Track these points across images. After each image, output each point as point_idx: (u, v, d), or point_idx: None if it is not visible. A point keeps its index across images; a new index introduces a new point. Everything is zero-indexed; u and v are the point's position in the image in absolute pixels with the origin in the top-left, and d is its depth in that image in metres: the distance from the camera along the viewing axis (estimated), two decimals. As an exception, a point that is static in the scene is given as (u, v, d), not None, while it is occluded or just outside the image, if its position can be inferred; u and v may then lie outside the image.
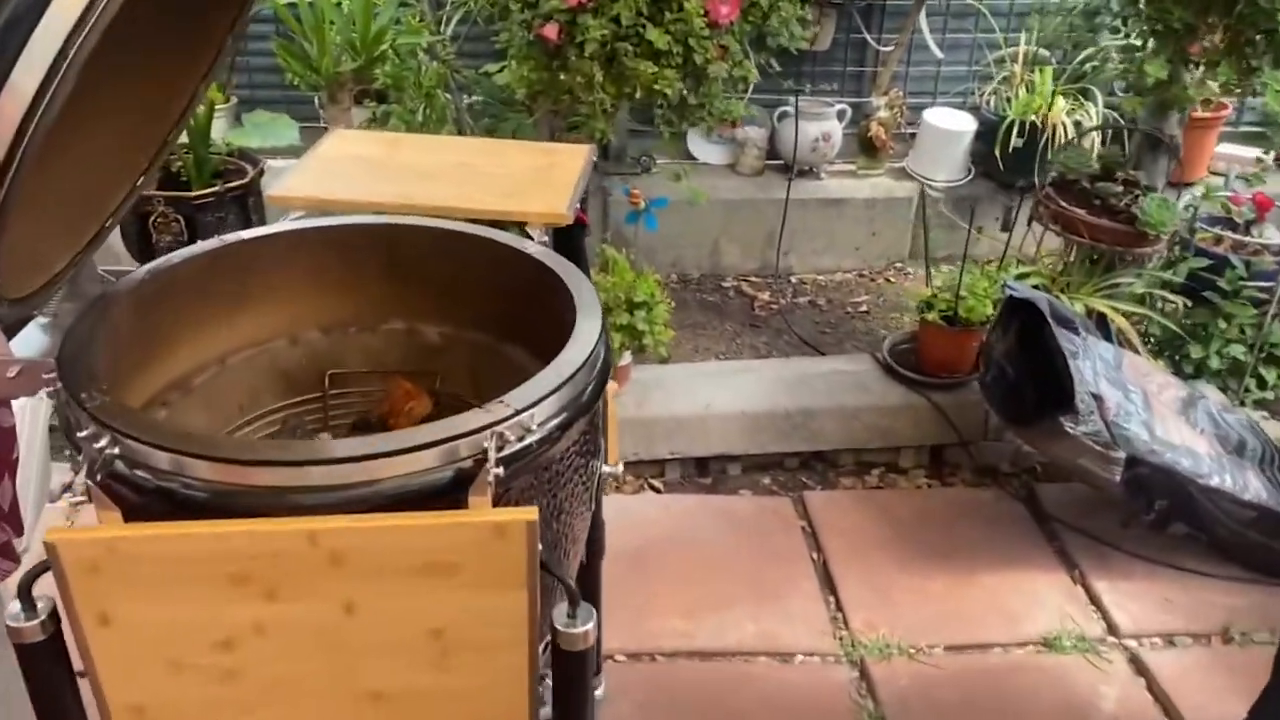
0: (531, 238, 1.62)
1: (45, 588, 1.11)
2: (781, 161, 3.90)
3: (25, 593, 1.15)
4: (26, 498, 1.78)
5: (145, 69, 1.34)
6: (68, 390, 1.18)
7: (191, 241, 2.91)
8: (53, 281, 1.33)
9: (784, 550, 2.67)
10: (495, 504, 1.11)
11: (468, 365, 1.65)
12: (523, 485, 1.21)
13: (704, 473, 2.98)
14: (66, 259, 1.35)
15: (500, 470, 1.10)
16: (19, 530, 1.70)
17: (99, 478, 1.08)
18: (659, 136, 3.52)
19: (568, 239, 1.77)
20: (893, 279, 3.95)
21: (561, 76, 2.27)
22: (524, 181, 1.75)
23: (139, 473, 1.11)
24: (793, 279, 3.93)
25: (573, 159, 1.83)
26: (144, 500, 1.12)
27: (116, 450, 1.11)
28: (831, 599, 2.53)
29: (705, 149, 3.95)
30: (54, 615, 1.14)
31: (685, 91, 2.34)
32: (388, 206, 1.65)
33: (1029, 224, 3.07)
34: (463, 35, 3.55)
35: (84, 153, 1.29)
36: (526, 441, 1.18)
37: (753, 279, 3.92)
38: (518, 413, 1.17)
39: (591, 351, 1.29)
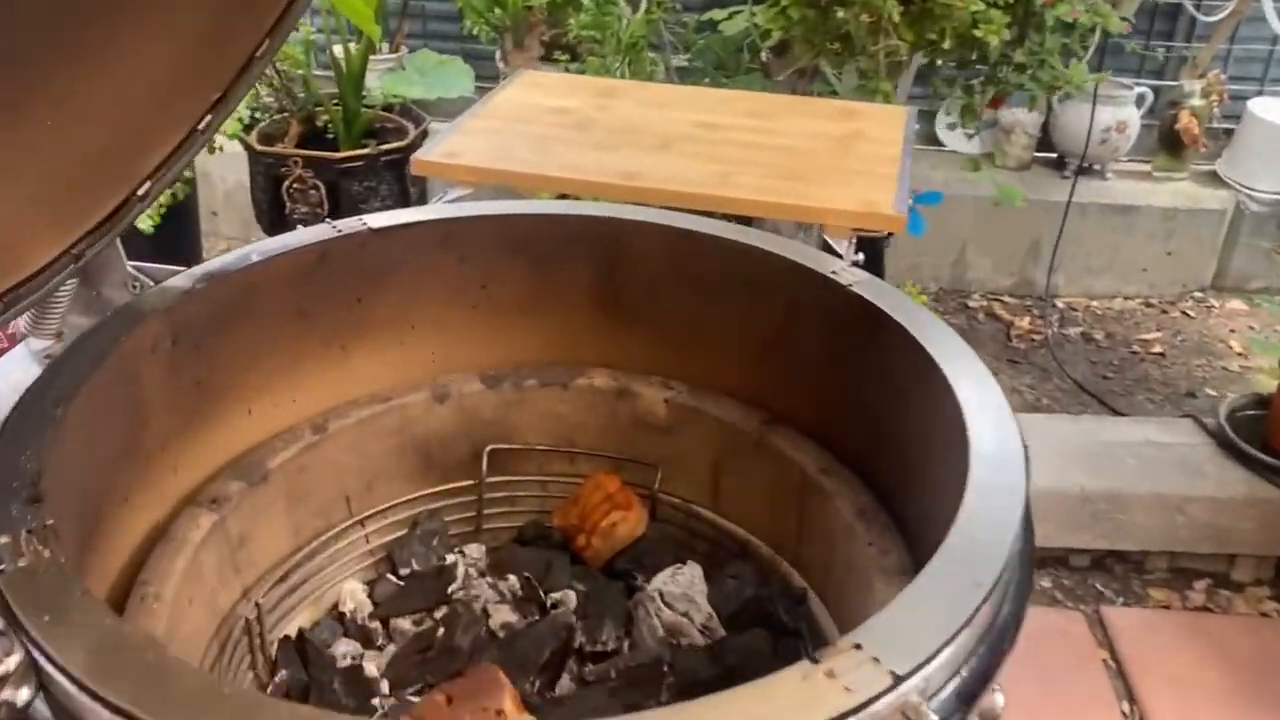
0: (836, 252, 0.96)
1: None
2: (1055, 155, 3.14)
3: None
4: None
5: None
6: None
7: (333, 213, 2.39)
8: (25, 288, 0.75)
9: (1081, 694, 1.92)
10: None
11: (709, 459, 1.00)
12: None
13: (960, 562, 2.25)
14: (53, 251, 0.77)
15: None
16: None
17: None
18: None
19: (864, 251, 1.10)
20: (1191, 312, 3.14)
21: (839, 13, 1.60)
22: (814, 158, 1.09)
23: (76, 739, 0.51)
24: (1058, 303, 3.17)
25: (885, 126, 1.16)
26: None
27: (26, 693, 0.51)
28: (1159, 781, 1.78)
29: (954, 133, 3.21)
30: None
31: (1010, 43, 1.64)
32: (602, 189, 1.02)
33: None
34: (677, -16, 2.92)
35: (91, 84, 0.73)
36: (906, 739, 0.52)
37: (1007, 299, 3.18)
38: (899, 680, 0.51)
39: (1022, 521, 0.62)
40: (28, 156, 0.76)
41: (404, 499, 1.02)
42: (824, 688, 0.50)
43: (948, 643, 0.53)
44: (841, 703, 0.49)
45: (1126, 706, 1.94)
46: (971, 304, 3.18)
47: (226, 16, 0.86)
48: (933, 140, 3.30)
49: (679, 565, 0.94)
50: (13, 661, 0.52)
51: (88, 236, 0.79)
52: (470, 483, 1.04)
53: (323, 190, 2.19)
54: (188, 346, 0.85)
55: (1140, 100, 3.07)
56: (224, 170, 2.83)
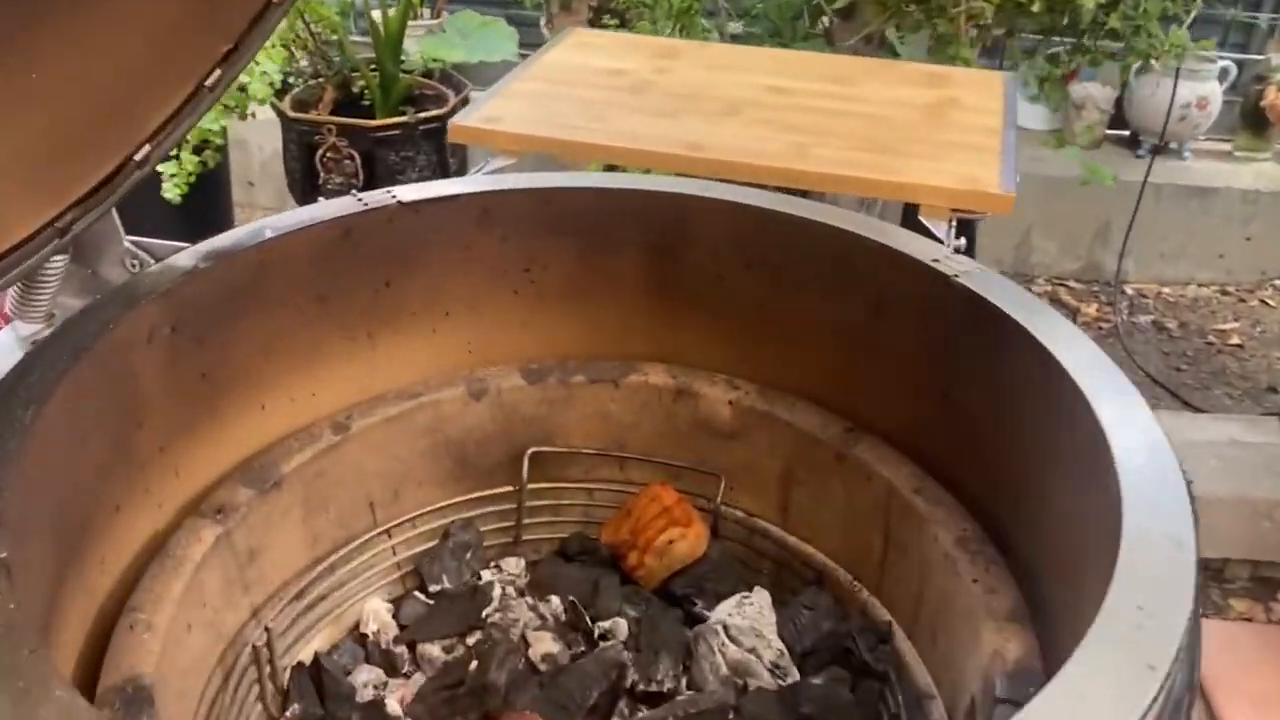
0: (935, 236, 0.84)
1: None
2: (1128, 132, 2.97)
3: None
4: None
5: None
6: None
7: (369, 184, 2.28)
8: (2, 263, 0.64)
9: (1159, 713, 1.78)
10: None
11: (780, 471, 0.89)
12: None
13: (1025, 565, 2.12)
14: (35, 222, 0.67)
15: None
16: None
17: None
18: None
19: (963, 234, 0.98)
20: (1271, 301, 2.97)
21: (916, -27, 1.47)
22: (903, 128, 0.96)
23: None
24: (1128, 289, 3.01)
25: (980, 93, 1.03)
26: None
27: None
28: (1242, 811, 1.65)
29: (1021, 108, 3.05)
30: None
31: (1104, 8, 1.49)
32: (660, 160, 0.90)
33: None
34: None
35: (81, 30, 0.63)
36: None
37: (1073, 284, 3.04)
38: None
39: (1196, 583, 0.50)
40: (7, 111, 0.66)
41: (435, 507, 0.91)
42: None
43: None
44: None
45: (1207, 726, 1.80)
46: (1035, 289, 3.03)
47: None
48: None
49: (745, 594, 0.82)
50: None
51: (77, 206, 0.69)
52: (509, 489, 0.93)
53: (358, 160, 2.07)
54: (190, 334, 0.74)
55: (1223, 74, 2.89)
56: (261, 137, 2.73)
